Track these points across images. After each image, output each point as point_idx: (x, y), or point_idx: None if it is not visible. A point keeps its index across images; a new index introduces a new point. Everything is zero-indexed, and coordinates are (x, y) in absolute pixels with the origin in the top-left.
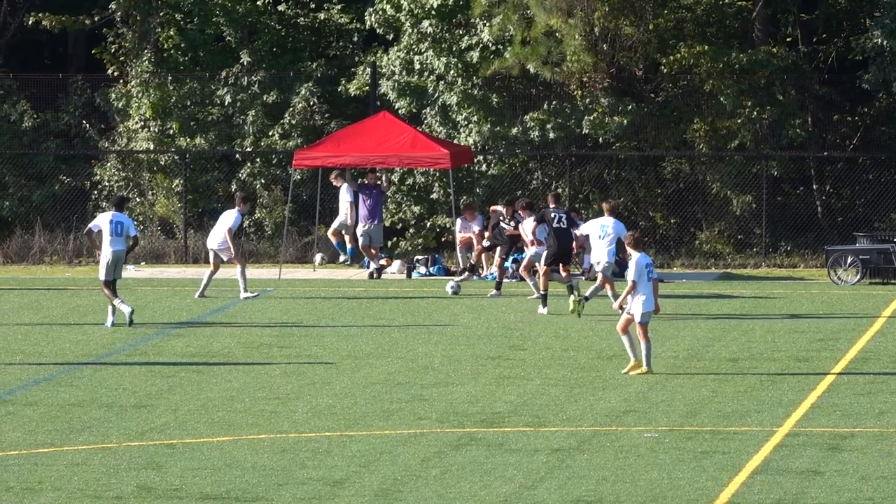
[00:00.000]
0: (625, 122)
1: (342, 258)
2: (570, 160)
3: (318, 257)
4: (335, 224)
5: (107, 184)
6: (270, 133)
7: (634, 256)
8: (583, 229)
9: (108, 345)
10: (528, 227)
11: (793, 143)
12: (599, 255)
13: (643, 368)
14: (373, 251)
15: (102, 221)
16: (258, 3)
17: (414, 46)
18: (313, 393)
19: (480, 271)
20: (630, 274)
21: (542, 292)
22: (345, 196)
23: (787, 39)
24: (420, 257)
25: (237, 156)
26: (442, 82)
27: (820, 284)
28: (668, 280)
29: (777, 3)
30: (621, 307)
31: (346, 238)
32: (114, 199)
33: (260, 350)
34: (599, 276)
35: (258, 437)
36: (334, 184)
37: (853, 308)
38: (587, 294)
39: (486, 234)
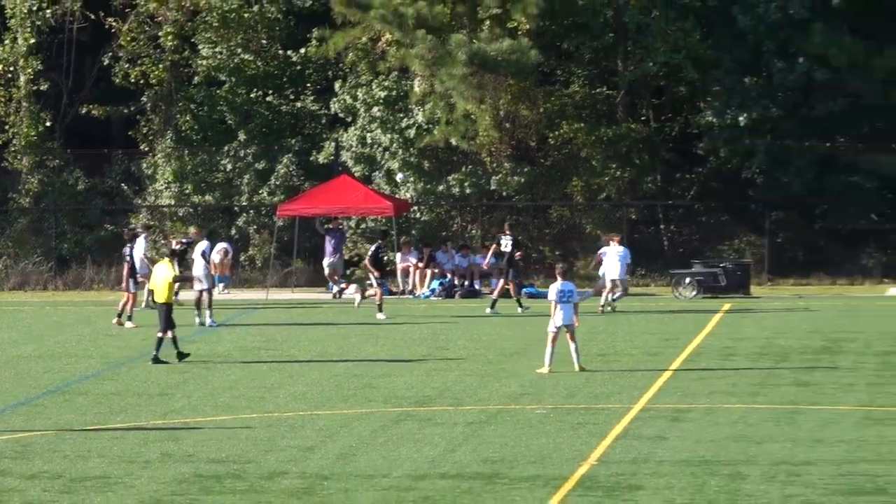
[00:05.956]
0: (522, 180)
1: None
2: (482, 209)
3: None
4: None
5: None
6: (260, 191)
7: (558, 283)
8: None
9: (140, 349)
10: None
11: (646, 194)
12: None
13: (547, 369)
14: (336, 277)
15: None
16: (252, 95)
17: (367, 126)
18: (291, 383)
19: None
20: (551, 296)
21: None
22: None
23: (643, 118)
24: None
25: (236, 208)
26: (387, 152)
27: (666, 299)
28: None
29: (635, 91)
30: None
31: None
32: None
33: (252, 352)
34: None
35: (250, 416)
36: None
37: (690, 316)
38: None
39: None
